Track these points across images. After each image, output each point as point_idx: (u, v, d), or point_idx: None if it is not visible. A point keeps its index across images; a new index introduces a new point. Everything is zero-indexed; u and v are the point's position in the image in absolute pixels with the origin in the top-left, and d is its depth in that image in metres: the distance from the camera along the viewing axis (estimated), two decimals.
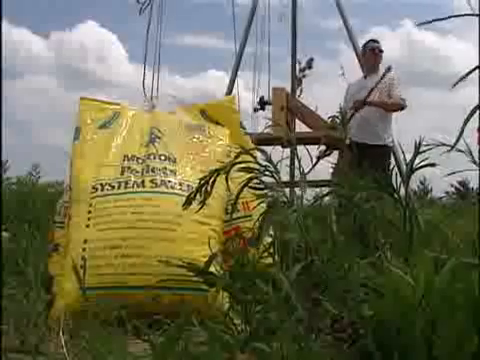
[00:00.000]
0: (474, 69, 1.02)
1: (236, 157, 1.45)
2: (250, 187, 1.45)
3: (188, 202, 1.45)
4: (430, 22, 1.18)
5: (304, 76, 5.28)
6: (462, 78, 1.01)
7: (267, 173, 1.41)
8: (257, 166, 1.43)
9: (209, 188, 1.40)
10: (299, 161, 1.61)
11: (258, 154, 1.51)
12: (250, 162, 1.48)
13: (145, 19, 4.64)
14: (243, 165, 1.43)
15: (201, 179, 1.42)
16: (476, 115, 1.00)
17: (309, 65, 5.27)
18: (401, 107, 4.76)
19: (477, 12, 1.08)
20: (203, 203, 1.44)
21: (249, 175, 1.43)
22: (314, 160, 1.68)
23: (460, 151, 1.27)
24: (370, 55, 4.94)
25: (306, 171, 1.51)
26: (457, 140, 1.01)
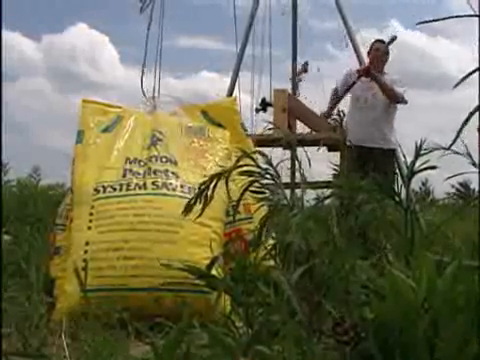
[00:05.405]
0: (474, 71, 1.02)
1: (237, 161, 1.44)
2: (251, 191, 1.44)
3: (188, 209, 1.43)
4: (426, 22, 1.17)
5: (300, 80, 5.26)
6: (464, 78, 1.00)
7: (267, 176, 1.41)
8: (258, 169, 1.43)
9: (209, 193, 1.39)
10: (299, 163, 1.61)
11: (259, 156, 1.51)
12: (251, 165, 1.47)
13: (140, 21, 4.62)
14: (244, 169, 1.43)
15: (201, 184, 1.41)
16: (475, 117, 0.99)
17: (305, 69, 5.25)
18: (402, 99, 4.63)
19: (476, 12, 1.07)
20: (203, 209, 1.43)
21: (250, 178, 1.42)
22: (313, 163, 1.68)
23: (457, 153, 1.27)
24: (373, 55, 4.83)
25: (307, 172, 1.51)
26: (453, 142, 1.01)
